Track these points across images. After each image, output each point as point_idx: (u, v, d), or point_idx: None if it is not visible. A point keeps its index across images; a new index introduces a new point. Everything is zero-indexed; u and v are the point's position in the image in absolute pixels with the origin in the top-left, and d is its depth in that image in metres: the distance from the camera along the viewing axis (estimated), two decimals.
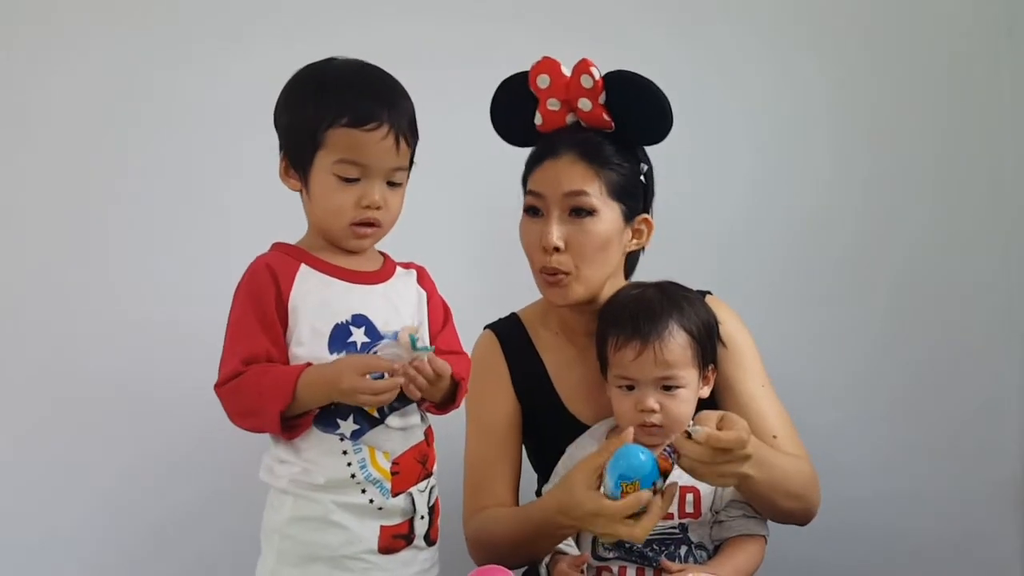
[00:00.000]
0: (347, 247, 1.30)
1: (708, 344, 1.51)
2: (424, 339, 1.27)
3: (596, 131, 1.55)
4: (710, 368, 1.52)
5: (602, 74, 1.51)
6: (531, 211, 1.58)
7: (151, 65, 1.94)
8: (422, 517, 1.28)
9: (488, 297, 1.76)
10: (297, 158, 1.28)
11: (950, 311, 2.03)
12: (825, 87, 2.04)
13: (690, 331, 1.48)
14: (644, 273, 1.67)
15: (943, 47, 2.03)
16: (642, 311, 1.48)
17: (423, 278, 1.39)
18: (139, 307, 1.94)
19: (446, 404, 1.32)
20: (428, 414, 1.33)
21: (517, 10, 2.01)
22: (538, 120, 1.57)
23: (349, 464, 1.23)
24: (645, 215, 1.61)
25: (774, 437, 1.54)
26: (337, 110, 1.24)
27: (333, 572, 1.22)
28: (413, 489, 1.27)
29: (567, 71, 1.54)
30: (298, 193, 1.32)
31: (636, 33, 2.01)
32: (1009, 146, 2.02)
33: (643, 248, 1.64)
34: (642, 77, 1.52)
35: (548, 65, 1.54)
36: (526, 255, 1.60)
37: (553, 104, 1.55)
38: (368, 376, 1.19)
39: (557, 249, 1.53)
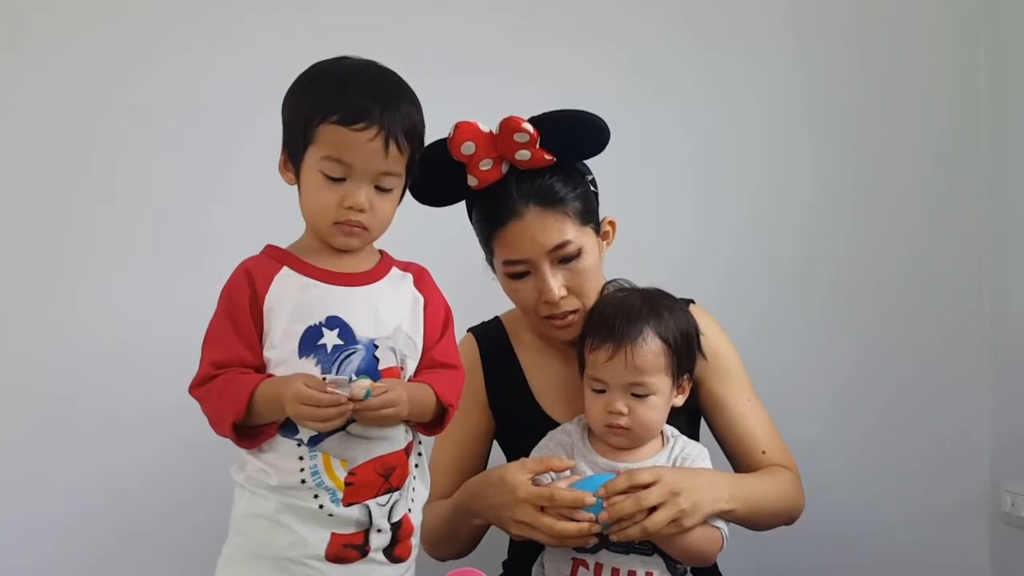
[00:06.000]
0: (335, 245, 1.28)
1: (685, 353, 1.51)
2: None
3: (537, 169, 1.52)
4: (685, 377, 1.52)
5: (533, 123, 1.48)
6: (515, 276, 1.56)
7: (143, 67, 1.97)
8: (379, 531, 1.24)
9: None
10: (292, 152, 1.28)
11: (928, 336, 2.12)
12: (814, 112, 2.12)
13: (666, 339, 1.48)
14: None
15: (927, 66, 2.13)
16: (620, 315, 1.48)
17: (421, 281, 1.35)
18: (125, 308, 1.97)
19: (432, 427, 1.29)
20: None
21: (494, 10, 2.06)
22: (472, 182, 1.53)
23: (302, 470, 1.22)
24: (606, 217, 1.63)
25: (763, 453, 1.61)
26: (330, 106, 1.22)
27: (277, 574, 1.21)
28: (372, 502, 1.24)
29: (487, 127, 1.49)
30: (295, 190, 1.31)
31: (640, 54, 2.09)
32: (987, 181, 2.10)
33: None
34: (569, 110, 1.50)
35: (467, 130, 1.48)
36: (521, 309, 1.61)
37: (486, 164, 1.51)
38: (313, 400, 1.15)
39: (562, 297, 1.54)
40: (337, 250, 1.28)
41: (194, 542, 1.83)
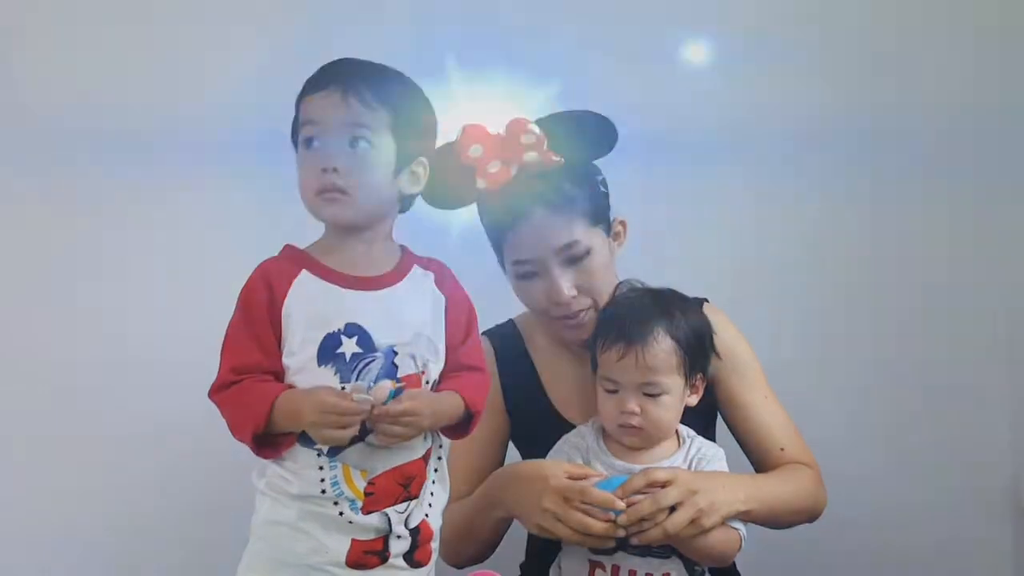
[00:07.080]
0: (323, 218, 1.25)
1: (697, 353, 1.50)
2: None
3: (546, 171, 1.51)
4: (699, 377, 1.52)
5: (540, 125, 1.47)
6: (524, 276, 1.56)
7: (143, 67, 1.97)
8: (399, 537, 1.24)
9: None
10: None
11: (944, 329, 2.10)
12: (827, 101, 2.08)
13: (677, 338, 1.47)
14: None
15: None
16: (631, 315, 1.49)
17: (442, 280, 1.32)
18: (127, 309, 1.96)
19: (458, 431, 1.29)
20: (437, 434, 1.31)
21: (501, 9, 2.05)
22: (481, 184, 1.50)
23: (322, 480, 1.21)
24: (617, 218, 1.63)
25: (781, 450, 1.60)
26: (304, 90, 1.25)
27: None
28: (390, 509, 1.23)
29: (494, 130, 1.48)
30: None
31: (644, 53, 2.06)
32: (998, 173, 2.07)
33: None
34: (575, 111, 1.50)
35: (475, 133, 1.47)
36: (532, 311, 1.62)
37: (494, 166, 1.50)
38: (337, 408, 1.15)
39: (572, 297, 1.54)
40: (340, 234, 1.25)
41: (198, 546, 1.89)
